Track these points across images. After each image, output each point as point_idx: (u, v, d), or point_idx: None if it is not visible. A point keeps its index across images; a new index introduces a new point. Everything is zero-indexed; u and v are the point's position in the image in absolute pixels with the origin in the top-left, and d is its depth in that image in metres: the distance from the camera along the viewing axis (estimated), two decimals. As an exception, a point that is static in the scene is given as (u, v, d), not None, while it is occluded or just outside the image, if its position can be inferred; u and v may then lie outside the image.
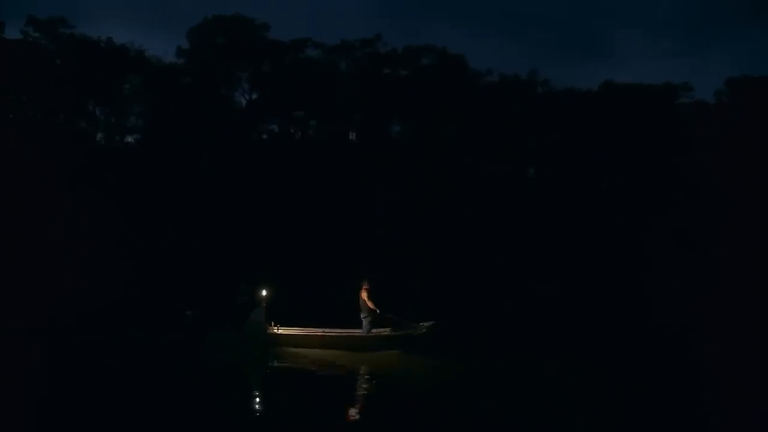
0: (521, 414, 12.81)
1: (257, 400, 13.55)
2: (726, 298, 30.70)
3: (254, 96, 52.76)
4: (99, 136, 48.18)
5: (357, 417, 12.24)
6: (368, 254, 42.93)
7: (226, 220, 44.14)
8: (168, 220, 42.15)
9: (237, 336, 17.40)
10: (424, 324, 18.56)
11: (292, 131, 53.94)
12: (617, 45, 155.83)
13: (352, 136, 55.10)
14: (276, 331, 17.86)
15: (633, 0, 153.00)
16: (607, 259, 42.35)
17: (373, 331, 18.44)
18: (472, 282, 38.61)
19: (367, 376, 15.77)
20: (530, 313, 30.39)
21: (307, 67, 52.95)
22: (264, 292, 17.70)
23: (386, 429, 11.70)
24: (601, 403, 13.92)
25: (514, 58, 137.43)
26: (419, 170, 48.98)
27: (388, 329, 18.58)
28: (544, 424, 12.19)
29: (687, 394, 14.83)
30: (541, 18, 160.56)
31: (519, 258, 42.26)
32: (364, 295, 18.44)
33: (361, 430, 11.57)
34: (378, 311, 18.21)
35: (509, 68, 55.09)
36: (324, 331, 18.34)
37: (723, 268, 35.93)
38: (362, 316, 18.43)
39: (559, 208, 46.26)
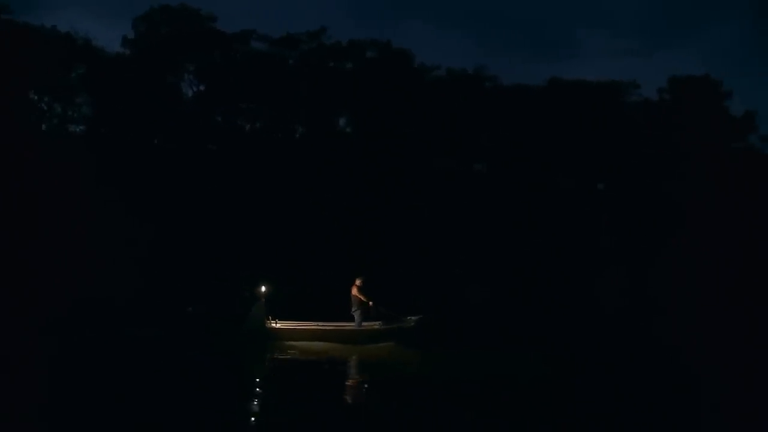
0: (507, 398, 13.89)
1: (254, 391, 14.12)
2: (677, 290, 32.73)
3: (201, 87, 52.48)
4: (43, 126, 47.11)
5: (351, 404, 13.12)
6: (317, 249, 43.42)
7: (175, 212, 43.81)
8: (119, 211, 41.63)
9: (241, 330, 18.20)
10: (412, 317, 19.66)
11: (240, 123, 53.83)
12: (581, 44, 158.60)
13: (300, 129, 55.40)
14: (274, 325, 18.67)
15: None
16: (560, 255, 44.03)
17: (364, 324, 19.43)
18: (427, 277, 39.57)
19: (359, 367, 16.79)
20: (490, 307, 31.86)
21: (254, 60, 52.96)
22: (263, 288, 18.47)
23: (377, 415, 12.34)
24: (574, 389, 15.32)
25: (481, 57, 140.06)
26: (369, 165, 49.68)
27: (379, 322, 19.60)
28: (528, 406, 13.28)
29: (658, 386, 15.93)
30: (503, 15, 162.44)
31: (474, 253, 43.47)
32: (354, 290, 19.40)
33: (356, 417, 12.26)
34: (371, 304, 19.22)
35: (476, 65, 55.18)
36: (318, 325, 19.22)
37: (671, 260, 38.07)
38: (352, 310, 19.38)
39: (511, 204, 47.60)
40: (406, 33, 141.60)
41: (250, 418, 11.70)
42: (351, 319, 19.36)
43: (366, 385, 15.13)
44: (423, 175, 50.33)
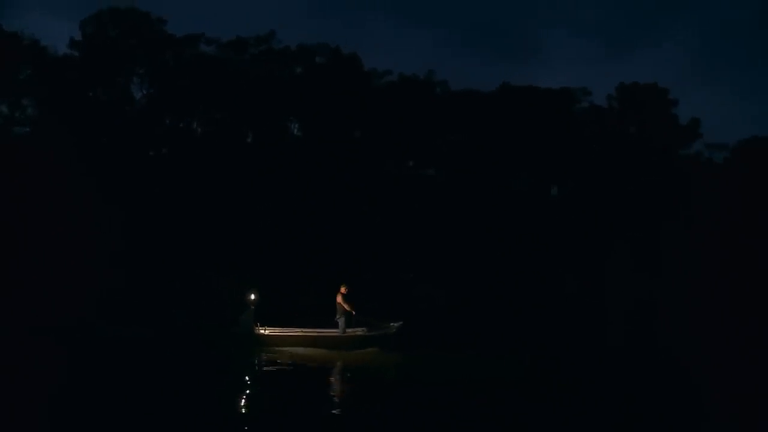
0: (485, 398, 14.15)
1: (243, 395, 14.23)
2: (629, 289, 34.25)
3: (151, 90, 51.95)
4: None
5: (336, 408, 13.30)
6: (265, 255, 43.54)
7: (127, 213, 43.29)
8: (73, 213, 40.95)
9: (229, 335, 18.65)
10: (394, 324, 20.35)
11: (192, 127, 53.48)
12: (547, 47, 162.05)
13: (249, 134, 55.29)
14: (262, 331, 19.16)
15: (563, 4, 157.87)
16: (515, 257, 45.20)
17: (348, 330, 20.04)
18: (377, 280, 40.01)
19: (343, 372, 17.32)
20: (446, 309, 32.65)
21: (203, 63, 52.74)
22: (252, 296, 18.91)
23: (361, 418, 12.60)
24: (552, 391, 16.27)
25: (446, 57, 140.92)
26: (317, 169, 50.08)
27: (362, 329, 20.25)
28: (501, 405, 13.72)
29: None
30: (468, 16, 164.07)
31: (427, 257, 44.18)
32: (339, 298, 20.00)
33: (340, 420, 12.46)
34: (355, 313, 19.83)
35: (427, 70, 55.83)
36: (304, 332, 19.71)
37: (621, 261, 39.70)
38: (336, 317, 19.96)
39: (463, 207, 48.42)
40: (371, 32, 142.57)
41: (238, 422, 11.80)
42: (335, 325, 19.93)
43: (350, 389, 15.75)
44: (373, 179, 50.91)
